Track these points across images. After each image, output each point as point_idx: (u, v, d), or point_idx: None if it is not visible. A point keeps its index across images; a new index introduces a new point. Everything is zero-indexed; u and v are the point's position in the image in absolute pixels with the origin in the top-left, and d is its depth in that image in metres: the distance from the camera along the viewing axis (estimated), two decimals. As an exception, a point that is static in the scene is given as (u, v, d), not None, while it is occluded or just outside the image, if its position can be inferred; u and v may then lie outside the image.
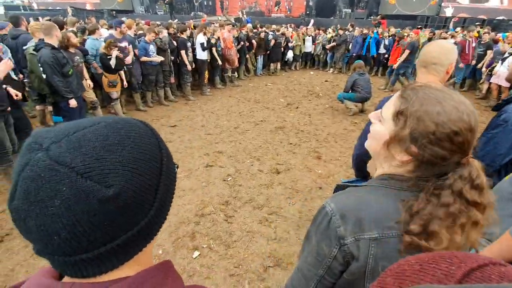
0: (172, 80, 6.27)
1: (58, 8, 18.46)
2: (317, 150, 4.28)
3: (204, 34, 6.32)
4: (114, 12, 17.93)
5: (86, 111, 4.80)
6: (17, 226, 0.36)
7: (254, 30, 8.94)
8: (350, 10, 17.49)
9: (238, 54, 7.61)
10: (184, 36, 6.13)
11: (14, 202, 0.34)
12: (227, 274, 2.18)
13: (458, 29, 10.32)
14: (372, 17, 16.00)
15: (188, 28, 6.53)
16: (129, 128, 0.40)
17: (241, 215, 2.82)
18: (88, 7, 12.50)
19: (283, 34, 9.06)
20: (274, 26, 9.61)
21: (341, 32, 9.93)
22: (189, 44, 6.18)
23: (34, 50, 3.49)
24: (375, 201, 0.66)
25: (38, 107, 4.49)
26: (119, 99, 5.14)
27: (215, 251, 2.38)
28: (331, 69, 10.29)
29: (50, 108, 4.15)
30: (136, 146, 0.38)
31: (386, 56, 8.97)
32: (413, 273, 0.30)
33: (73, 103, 3.54)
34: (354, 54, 9.47)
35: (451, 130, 0.58)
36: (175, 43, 6.03)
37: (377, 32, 9.43)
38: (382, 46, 9.09)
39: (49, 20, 4.91)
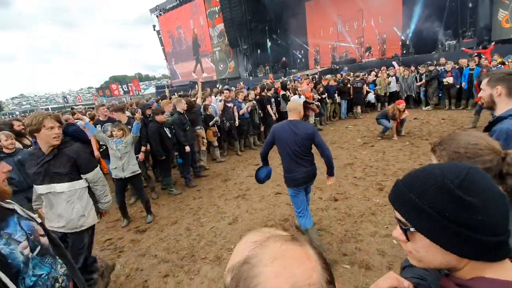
0: (262, 128, 7.74)
1: (185, 83, 25.30)
2: (381, 183, 4.49)
3: (287, 90, 7.80)
4: (226, 79, 22.70)
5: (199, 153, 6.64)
6: None
7: (337, 79, 9.93)
8: (455, 42, 16.11)
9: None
10: (269, 94, 7.69)
11: None
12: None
13: None
14: (482, 44, 14.26)
15: (273, 87, 8.13)
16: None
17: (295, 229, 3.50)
18: (214, 77, 17.80)
19: (362, 79, 9.60)
20: (357, 74, 10.32)
21: (431, 68, 9.62)
22: (273, 99, 7.66)
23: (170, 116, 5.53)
24: None
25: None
26: (217, 147, 6.89)
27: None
28: (428, 106, 9.91)
29: (176, 153, 6.12)
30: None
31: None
32: None
33: (187, 149, 5.22)
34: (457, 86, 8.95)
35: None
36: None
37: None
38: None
39: (181, 95, 7.33)
